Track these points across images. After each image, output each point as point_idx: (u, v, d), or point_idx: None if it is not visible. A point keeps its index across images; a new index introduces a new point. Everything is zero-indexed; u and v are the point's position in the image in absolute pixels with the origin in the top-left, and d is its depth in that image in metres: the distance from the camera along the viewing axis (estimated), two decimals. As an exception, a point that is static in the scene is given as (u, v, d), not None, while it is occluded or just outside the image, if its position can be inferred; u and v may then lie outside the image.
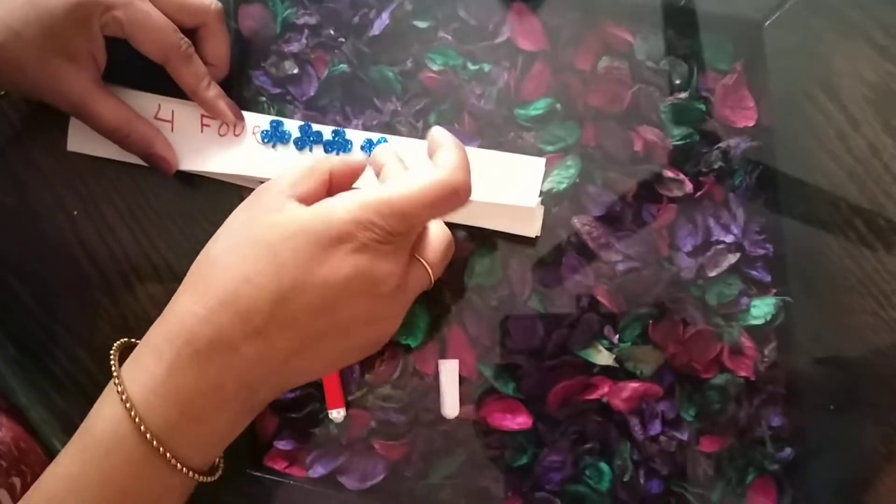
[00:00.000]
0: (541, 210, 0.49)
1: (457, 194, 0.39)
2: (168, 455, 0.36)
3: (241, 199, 0.49)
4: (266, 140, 0.49)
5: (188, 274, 0.39)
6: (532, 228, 0.49)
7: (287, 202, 0.38)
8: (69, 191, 0.50)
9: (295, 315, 0.37)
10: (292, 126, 0.49)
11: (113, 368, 0.38)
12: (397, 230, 0.37)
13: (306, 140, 0.49)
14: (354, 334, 0.39)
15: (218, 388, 0.37)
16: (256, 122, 0.49)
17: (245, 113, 0.49)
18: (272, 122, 0.49)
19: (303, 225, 0.37)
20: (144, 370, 0.37)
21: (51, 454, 0.49)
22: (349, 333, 0.39)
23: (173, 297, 0.39)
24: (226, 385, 0.37)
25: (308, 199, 0.39)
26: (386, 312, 0.40)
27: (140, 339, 0.40)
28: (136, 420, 0.36)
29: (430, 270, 0.42)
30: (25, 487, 0.47)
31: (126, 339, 0.41)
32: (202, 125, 0.49)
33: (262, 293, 0.36)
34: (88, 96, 0.46)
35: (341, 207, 0.37)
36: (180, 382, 0.36)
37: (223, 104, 0.48)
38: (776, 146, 0.50)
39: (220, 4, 0.48)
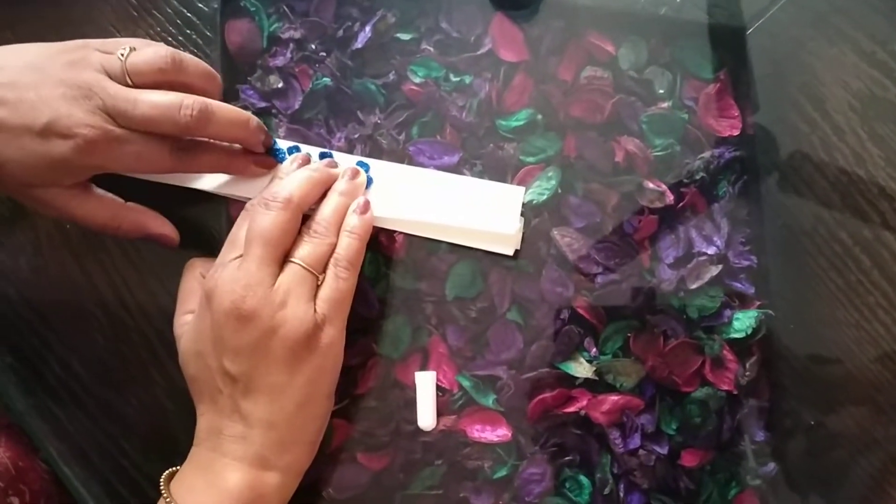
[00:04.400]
0: (520, 228, 0.49)
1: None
2: None
3: (228, 216, 0.50)
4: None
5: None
6: (510, 247, 0.49)
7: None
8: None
9: (217, 372, 0.44)
10: (284, 144, 0.49)
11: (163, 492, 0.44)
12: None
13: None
14: (268, 352, 0.43)
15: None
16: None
17: None
18: (274, 149, 0.49)
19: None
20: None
21: (47, 463, 0.51)
22: (264, 354, 0.43)
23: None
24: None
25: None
26: (268, 323, 0.43)
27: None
28: None
29: (299, 263, 0.44)
30: None
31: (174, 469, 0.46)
32: None
33: (202, 373, 0.45)
34: (68, 207, 0.46)
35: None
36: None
37: (252, 169, 0.49)
38: (760, 156, 0.49)
39: (197, 112, 0.44)
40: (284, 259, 0.45)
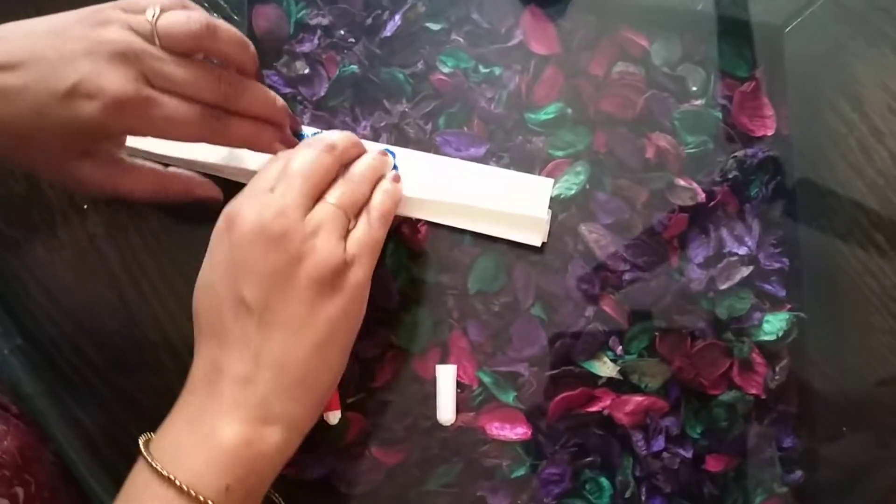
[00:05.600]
0: (548, 220, 0.48)
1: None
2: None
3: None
4: None
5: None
6: (537, 237, 0.48)
7: None
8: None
9: (227, 300, 0.40)
10: (309, 130, 0.49)
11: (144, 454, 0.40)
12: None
13: None
14: (292, 282, 0.40)
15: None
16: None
17: None
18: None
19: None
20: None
21: (55, 455, 0.50)
22: (285, 284, 0.40)
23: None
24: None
25: None
26: (295, 250, 0.41)
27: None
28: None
29: (332, 203, 0.43)
30: (29, 497, 0.47)
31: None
32: None
33: (210, 303, 0.41)
34: (112, 181, 0.45)
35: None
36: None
37: (277, 146, 0.47)
38: (795, 156, 0.48)
39: (228, 87, 0.44)
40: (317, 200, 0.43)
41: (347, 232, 0.43)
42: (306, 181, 0.42)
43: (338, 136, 0.45)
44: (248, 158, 0.49)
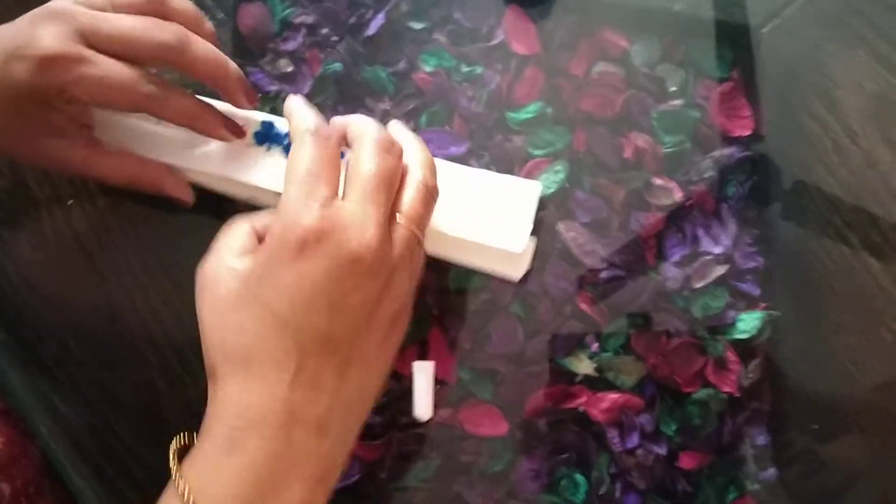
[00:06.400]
0: (532, 247, 0.48)
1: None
2: None
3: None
4: (259, 142, 0.47)
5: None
6: (518, 270, 0.47)
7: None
8: (65, 180, 0.51)
9: (309, 335, 0.36)
10: (284, 126, 0.47)
11: (173, 469, 0.36)
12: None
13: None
14: (375, 318, 0.37)
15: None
16: (247, 121, 0.47)
17: (237, 111, 0.47)
18: (264, 122, 0.47)
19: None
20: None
21: (42, 451, 0.50)
22: (370, 319, 0.37)
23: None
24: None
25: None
26: (383, 284, 0.37)
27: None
28: None
29: (411, 229, 0.39)
30: (15, 493, 0.47)
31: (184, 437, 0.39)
32: None
33: (267, 331, 0.36)
34: (87, 162, 0.45)
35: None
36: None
37: (222, 133, 0.45)
38: (771, 157, 0.48)
39: (176, 33, 0.42)
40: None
41: None
42: (390, 195, 0.38)
43: (390, 135, 0.40)
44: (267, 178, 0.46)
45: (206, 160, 0.47)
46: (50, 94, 0.41)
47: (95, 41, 0.40)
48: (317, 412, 0.36)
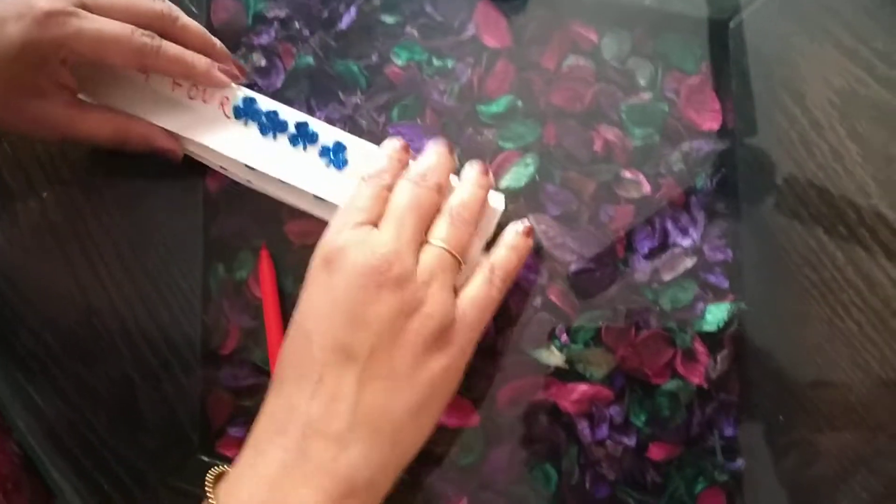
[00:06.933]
0: (498, 212, 0.47)
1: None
2: None
3: (206, 189, 0.50)
4: (237, 116, 0.48)
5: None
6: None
7: None
8: (38, 172, 0.51)
9: (329, 346, 0.38)
10: (265, 104, 0.48)
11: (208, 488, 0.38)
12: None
13: (269, 127, 0.48)
14: (402, 333, 0.38)
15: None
16: (227, 93, 0.48)
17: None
18: (245, 98, 0.48)
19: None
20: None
21: (20, 447, 0.51)
22: (396, 334, 0.38)
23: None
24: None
25: None
26: (408, 299, 0.39)
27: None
28: None
29: (443, 247, 0.41)
30: None
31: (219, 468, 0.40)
32: (173, 84, 0.48)
33: (296, 346, 0.39)
34: (71, 122, 0.46)
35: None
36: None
37: (217, 74, 0.47)
38: (740, 149, 0.48)
39: (168, 4, 0.46)
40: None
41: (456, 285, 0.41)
42: (417, 220, 0.40)
43: (439, 170, 0.43)
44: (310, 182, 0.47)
45: (187, 126, 0.48)
46: (48, 51, 0.42)
47: (93, 5, 0.43)
48: (336, 425, 0.37)
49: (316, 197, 0.47)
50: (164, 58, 0.45)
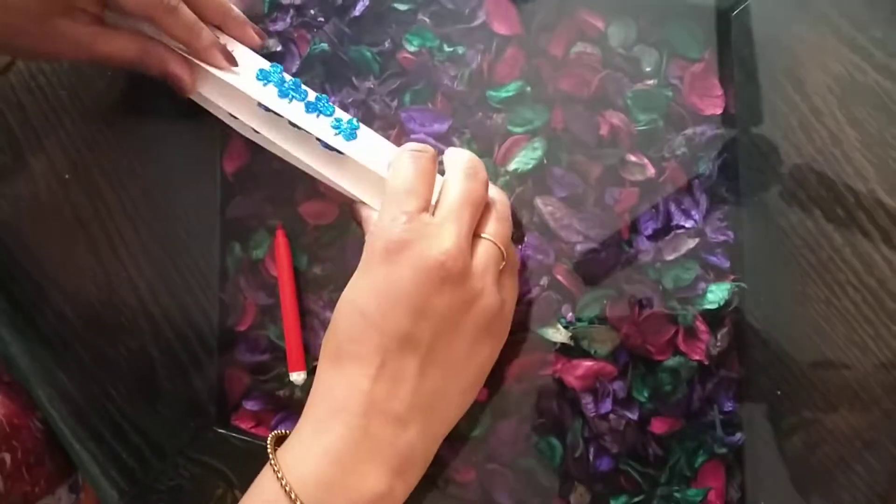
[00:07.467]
0: None
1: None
2: None
3: (222, 168, 0.52)
4: (258, 78, 0.47)
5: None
6: None
7: None
8: (61, 154, 0.53)
9: (392, 334, 0.40)
10: (288, 76, 0.48)
11: (270, 453, 0.40)
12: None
13: (287, 92, 0.47)
14: (461, 324, 0.41)
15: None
16: (254, 59, 0.49)
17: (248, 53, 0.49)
18: (271, 65, 0.48)
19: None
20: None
21: (42, 423, 0.52)
22: (455, 325, 0.41)
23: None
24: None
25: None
26: (468, 292, 0.41)
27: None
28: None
29: (494, 241, 0.43)
30: (16, 462, 0.49)
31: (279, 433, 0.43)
32: None
33: (356, 329, 0.40)
34: (96, 40, 0.46)
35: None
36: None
37: (217, 53, 0.47)
38: (741, 135, 0.50)
39: None
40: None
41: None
42: (475, 215, 0.42)
43: (479, 162, 0.45)
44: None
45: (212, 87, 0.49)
46: None
47: None
48: (396, 407, 0.39)
49: (324, 146, 0.47)
50: (177, 19, 0.45)
